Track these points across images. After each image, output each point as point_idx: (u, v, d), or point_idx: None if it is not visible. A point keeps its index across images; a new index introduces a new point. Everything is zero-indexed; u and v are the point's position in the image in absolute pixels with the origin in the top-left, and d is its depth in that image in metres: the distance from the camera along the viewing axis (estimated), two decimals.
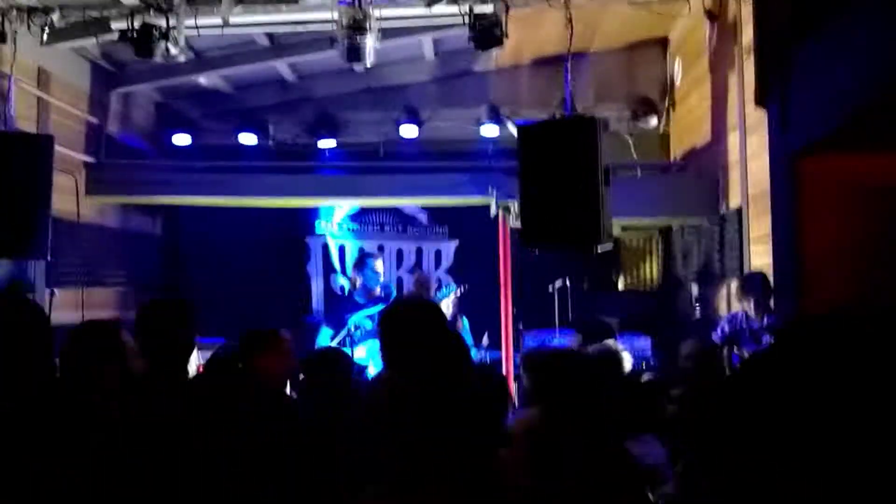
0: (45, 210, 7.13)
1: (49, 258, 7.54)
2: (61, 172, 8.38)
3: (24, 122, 8.11)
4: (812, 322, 1.63)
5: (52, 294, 8.36)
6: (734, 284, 7.74)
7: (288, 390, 4.76)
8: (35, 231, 7.01)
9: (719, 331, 7.16)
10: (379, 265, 9.91)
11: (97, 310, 9.28)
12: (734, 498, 1.52)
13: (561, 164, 6.73)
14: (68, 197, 8.96)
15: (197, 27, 7.89)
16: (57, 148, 7.65)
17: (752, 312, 6.92)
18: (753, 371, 1.71)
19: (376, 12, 7.52)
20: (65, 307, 8.57)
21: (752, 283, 7.02)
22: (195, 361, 4.65)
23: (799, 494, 1.43)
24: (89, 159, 9.66)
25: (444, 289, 9.72)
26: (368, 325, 9.33)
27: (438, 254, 11.92)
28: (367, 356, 9.08)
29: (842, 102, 3.88)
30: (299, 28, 8.84)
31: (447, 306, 9.14)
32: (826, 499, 1.41)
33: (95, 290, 9.47)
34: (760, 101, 5.16)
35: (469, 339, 9.66)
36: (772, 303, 6.63)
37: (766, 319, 6.76)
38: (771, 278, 6.23)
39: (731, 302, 8.19)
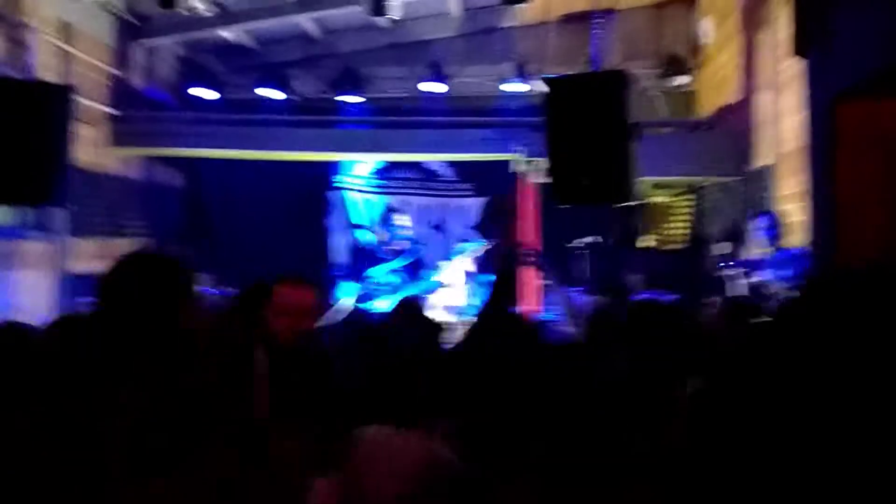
0: (64, 159, 7.09)
1: (67, 207, 7.52)
2: (84, 124, 8.36)
3: (48, 73, 8.06)
4: (844, 276, 1.55)
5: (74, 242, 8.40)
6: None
7: None
8: (54, 180, 6.98)
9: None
10: (404, 220, 9.86)
11: None
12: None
13: (589, 118, 6.62)
14: (91, 148, 8.95)
15: None
16: (80, 100, 7.62)
17: (753, 244, 6.94)
18: (781, 325, 1.64)
19: None
20: (87, 257, 8.59)
21: (760, 217, 7.05)
22: None
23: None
24: (112, 111, 9.63)
25: (467, 244, 9.65)
26: (393, 279, 9.31)
27: (464, 210, 11.83)
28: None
29: (881, 47, 3.79)
30: None
31: (469, 262, 9.12)
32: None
33: (117, 240, 9.48)
34: (800, 50, 5.04)
35: None
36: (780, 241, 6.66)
37: (777, 253, 6.73)
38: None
39: None
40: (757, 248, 7.10)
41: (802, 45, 4.97)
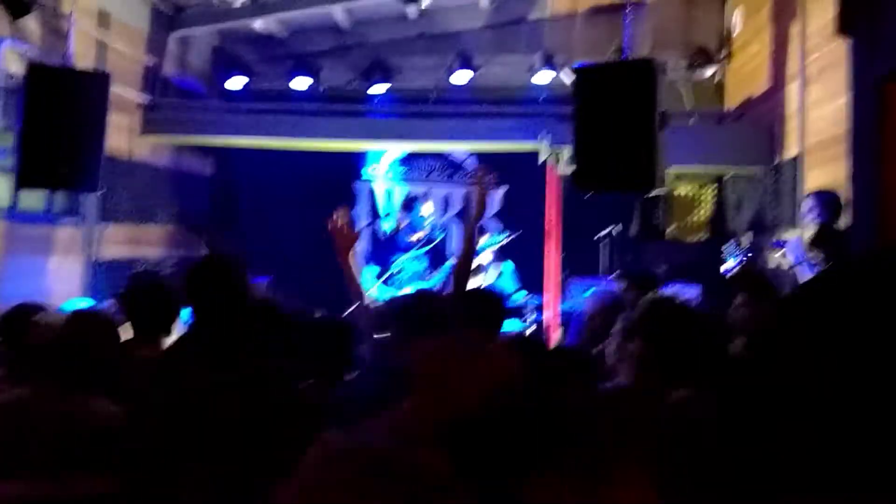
0: (98, 145, 7.28)
1: (99, 192, 7.69)
2: (117, 111, 8.49)
3: (84, 61, 8.20)
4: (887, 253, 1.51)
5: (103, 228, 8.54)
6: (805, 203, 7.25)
7: None
8: (88, 165, 7.16)
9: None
10: (426, 208, 9.92)
11: (148, 246, 9.48)
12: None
13: (616, 107, 6.66)
14: (123, 136, 9.10)
15: None
16: (113, 87, 7.75)
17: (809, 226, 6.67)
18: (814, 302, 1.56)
19: None
20: (116, 242, 8.75)
21: (819, 199, 6.59)
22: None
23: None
24: (145, 99, 9.77)
25: (492, 236, 9.66)
26: (417, 266, 9.37)
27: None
28: None
29: None
30: None
31: (490, 253, 9.18)
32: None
33: (147, 226, 9.63)
34: (843, 28, 4.98)
35: (514, 285, 9.67)
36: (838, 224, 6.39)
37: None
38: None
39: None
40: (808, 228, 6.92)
41: (848, 24, 4.91)
